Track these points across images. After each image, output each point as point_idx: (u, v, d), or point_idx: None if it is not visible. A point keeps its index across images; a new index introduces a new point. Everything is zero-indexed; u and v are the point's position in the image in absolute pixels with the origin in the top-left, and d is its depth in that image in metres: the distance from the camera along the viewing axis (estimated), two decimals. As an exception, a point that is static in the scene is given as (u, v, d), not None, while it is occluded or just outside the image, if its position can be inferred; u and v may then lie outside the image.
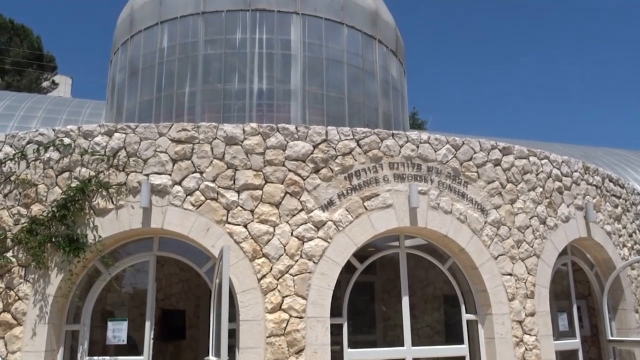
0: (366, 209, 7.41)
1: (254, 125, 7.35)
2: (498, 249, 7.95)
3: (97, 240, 6.95)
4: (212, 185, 7.12)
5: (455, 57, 75.60)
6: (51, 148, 7.25)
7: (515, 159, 8.49)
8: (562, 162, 9.11)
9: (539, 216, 8.45)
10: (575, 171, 9.24)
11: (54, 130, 7.39)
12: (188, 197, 7.08)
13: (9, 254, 7.00)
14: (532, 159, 8.68)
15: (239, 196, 7.13)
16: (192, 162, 7.19)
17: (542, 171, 8.73)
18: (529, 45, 74.64)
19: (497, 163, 8.28)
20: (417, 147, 7.81)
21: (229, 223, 7.04)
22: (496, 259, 7.90)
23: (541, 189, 8.61)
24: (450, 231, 7.71)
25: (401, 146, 7.74)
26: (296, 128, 7.42)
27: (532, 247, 8.26)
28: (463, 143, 8.11)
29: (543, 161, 8.81)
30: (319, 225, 7.19)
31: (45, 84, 31.27)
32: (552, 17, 72.67)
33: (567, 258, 9.31)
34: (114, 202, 7.05)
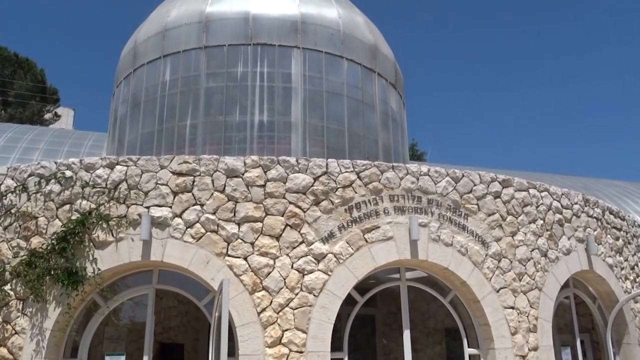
0: (367, 241, 7.40)
1: (254, 157, 7.40)
2: (500, 281, 7.90)
3: (96, 273, 6.91)
4: (212, 217, 7.12)
5: (454, 88, 76.46)
6: (52, 181, 7.27)
7: (515, 191, 8.50)
8: (562, 194, 9.13)
9: (540, 249, 8.42)
10: (576, 203, 9.24)
11: (55, 162, 7.43)
12: (188, 229, 7.07)
13: (7, 287, 6.95)
14: (532, 191, 8.70)
15: (239, 228, 7.12)
16: (192, 194, 7.20)
17: (542, 203, 8.73)
18: (528, 75, 75.56)
19: (497, 195, 8.30)
20: (417, 179, 7.83)
21: (229, 255, 7.02)
22: (498, 292, 7.84)
23: (542, 222, 8.60)
24: (451, 264, 7.67)
25: (401, 178, 7.77)
26: (297, 160, 7.46)
27: (533, 279, 8.20)
28: (463, 175, 8.14)
29: (543, 193, 8.83)
30: (319, 258, 7.16)
31: (47, 115, 31.53)
32: (552, 45, 73.67)
33: (570, 291, 9.24)
34: (114, 235, 7.03)
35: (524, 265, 8.17)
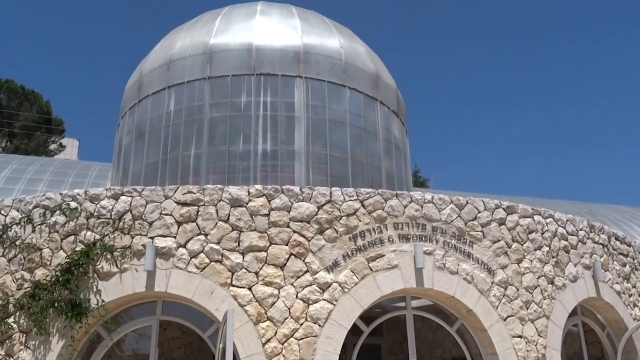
0: (371, 270, 7.35)
1: (258, 187, 7.42)
2: (507, 310, 7.81)
3: (100, 304, 6.87)
4: (216, 247, 7.11)
5: (456, 113, 76.86)
6: (57, 212, 7.29)
7: (520, 217, 8.48)
8: (567, 220, 9.09)
9: (546, 276, 8.35)
10: (581, 229, 9.20)
11: (60, 194, 7.46)
12: (192, 259, 7.05)
13: (11, 320, 6.91)
14: (536, 217, 8.67)
15: (243, 258, 7.10)
16: (197, 224, 7.21)
17: (547, 230, 8.70)
18: (531, 99, 75.90)
19: (501, 222, 8.27)
20: (421, 207, 7.83)
21: (234, 285, 6.98)
22: (505, 320, 7.75)
23: (547, 248, 8.55)
24: (457, 292, 7.61)
25: (405, 206, 7.76)
26: (300, 189, 7.48)
27: (541, 307, 8.11)
28: (467, 202, 8.14)
29: (548, 220, 8.80)
30: (324, 287, 7.12)
31: (52, 146, 31.77)
32: (554, 70, 74.12)
33: (578, 319, 9.12)
34: (118, 266, 7.02)
35: (531, 293, 8.10)
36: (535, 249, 8.40)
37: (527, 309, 7.98)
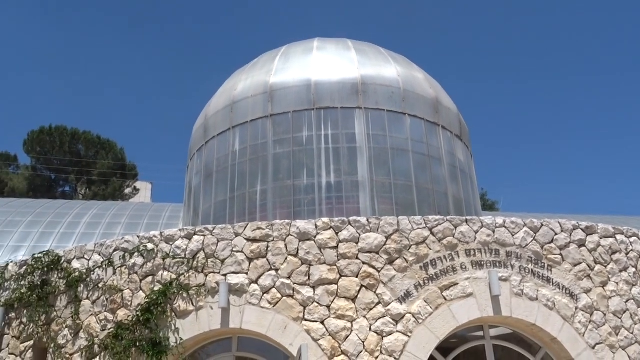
0: (445, 299, 7.16)
1: (325, 220, 7.45)
2: (594, 337, 7.35)
3: (178, 343, 7.04)
4: (287, 282, 7.16)
5: (522, 132, 74.52)
6: (136, 254, 7.61)
7: (601, 238, 8.04)
8: (654, 238, 8.52)
9: (635, 299, 7.82)
10: (670, 247, 8.58)
11: (138, 236, 7.80)
12: (265, 295, 7.13)
13: (96, 360, 7.20)
14: (619, 237, 8.19)
15: (314, 292, 7.10)
16: (267, 259, 7.31)
17: (632, 250, 8.18)
18: (600, 112, 72.50)
19: (581, 244, 7.87)
20: (493, 232, 7.59)
21: (306, 320, 6.98)
22: (593, 348, 7.29)
23: (634, 269, 8.03)
24: (538, 319, 7.25)
25: (476, 232, 7.55)
26: (367, 220, 7.45)
27: (632, 333, 7.58)
28: (542, 225, 7.81)
29: (632, 239, 8.29)
30: (397, 319, 6.98)
31: (127, 190, 33.48)
32: (626, 84, 70.66)
33: (675, 344, 8.42)
34: (194, 304, 7.20)
35: (620, 318, 7.59)
36: (620, 271, 7.91)
37: (617, 335, 7.48)
